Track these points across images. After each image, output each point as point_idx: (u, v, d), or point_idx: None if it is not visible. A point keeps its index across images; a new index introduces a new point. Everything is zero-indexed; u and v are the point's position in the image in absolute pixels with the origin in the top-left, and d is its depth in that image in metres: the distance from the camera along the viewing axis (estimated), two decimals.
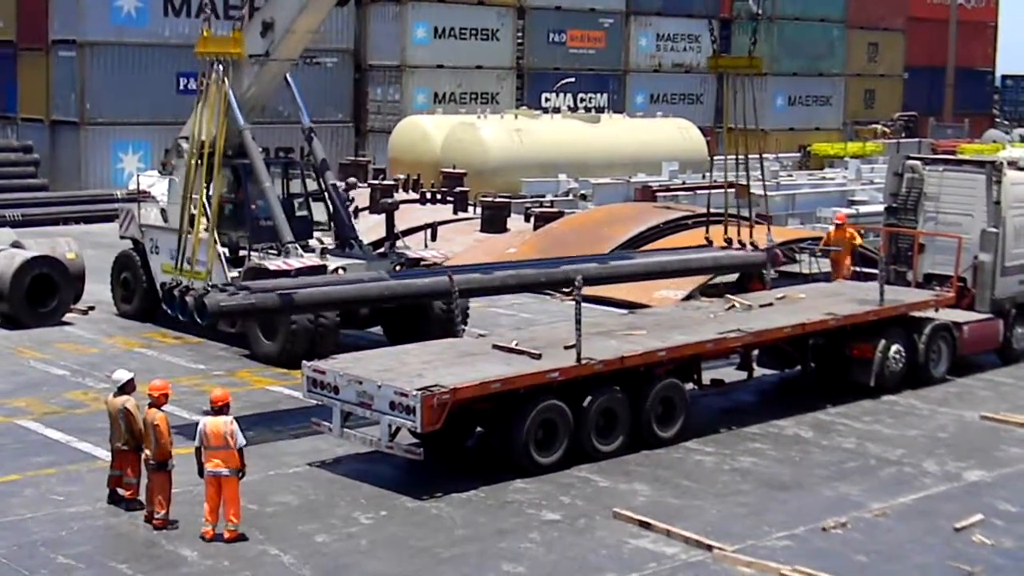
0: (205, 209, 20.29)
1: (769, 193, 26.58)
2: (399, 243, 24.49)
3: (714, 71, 24.76)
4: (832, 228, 27.79)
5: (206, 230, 20.16)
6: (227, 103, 20.29)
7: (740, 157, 24.14)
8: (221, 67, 19.56)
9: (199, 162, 19.77)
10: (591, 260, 23.66)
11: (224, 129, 20.03)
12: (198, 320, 18.82)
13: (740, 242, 24.60)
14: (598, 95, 59.88)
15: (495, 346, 18.60)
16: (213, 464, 14.66)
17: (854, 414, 20.88)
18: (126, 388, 15.56)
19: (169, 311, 19.49)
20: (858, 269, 26.36)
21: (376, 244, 25.77)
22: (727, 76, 24.46)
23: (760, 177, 25.09)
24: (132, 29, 47.35)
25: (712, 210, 25.36)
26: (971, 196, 24.32)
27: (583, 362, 17.62)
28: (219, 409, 14.85)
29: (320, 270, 22.32)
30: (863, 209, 35.88)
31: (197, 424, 15.04)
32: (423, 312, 24.02)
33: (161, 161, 30.16)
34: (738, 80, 23.97)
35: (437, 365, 17.53)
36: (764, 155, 26.54)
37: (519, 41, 57.59)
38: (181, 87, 46.18)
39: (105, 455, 16.50)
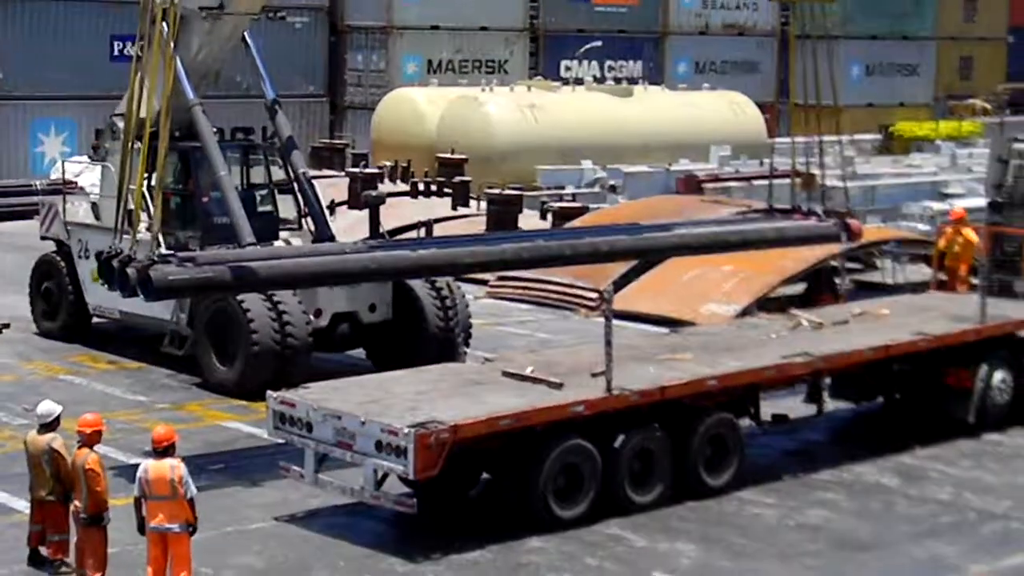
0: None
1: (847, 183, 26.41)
2: None
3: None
4: (949, 228, 27.28)
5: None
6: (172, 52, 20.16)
7: (810, 138, 24.08)
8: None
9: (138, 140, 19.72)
10: (622, 232, 23.52)
11: (172, 59, 19.84)
12: (141, 296, 18.30)
13: (810, 209, 24.08)
14: (630, 63, 60.05)
15: (505, 373, 18.68)
16: (157, 519, 14.68)
17: (949, 457, 20.91)
18: (52, 425, 15.62)
19: (106, 286, 19.05)
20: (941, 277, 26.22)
21: None
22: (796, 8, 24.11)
23: (835, 164, 25.09)
24: None
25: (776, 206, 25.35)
26: None
27: (614, 393, 17.67)
28: (163, 450, 14.86)
29: None
30: (959, 204, 35.89)
31: (137, 469, 15.07)
32: (415, 331, 24.11)
33: (92, 145, 30.26)
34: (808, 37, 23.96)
35: (434, 396, 17.59)
36: (840, 137, 26.43)
37: None
38: (115, 52, 46.18)
39: (24, 507, 16.54)
